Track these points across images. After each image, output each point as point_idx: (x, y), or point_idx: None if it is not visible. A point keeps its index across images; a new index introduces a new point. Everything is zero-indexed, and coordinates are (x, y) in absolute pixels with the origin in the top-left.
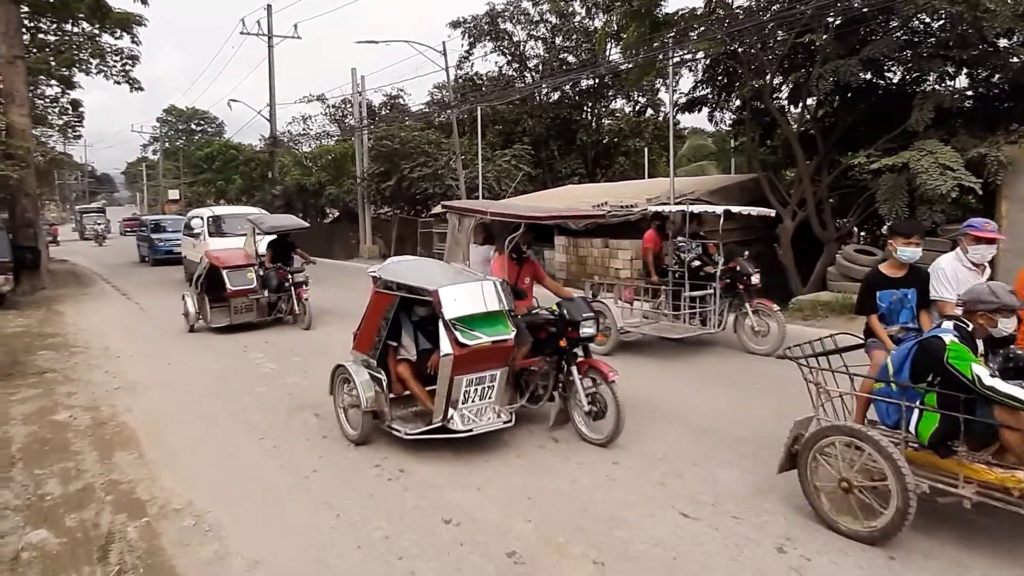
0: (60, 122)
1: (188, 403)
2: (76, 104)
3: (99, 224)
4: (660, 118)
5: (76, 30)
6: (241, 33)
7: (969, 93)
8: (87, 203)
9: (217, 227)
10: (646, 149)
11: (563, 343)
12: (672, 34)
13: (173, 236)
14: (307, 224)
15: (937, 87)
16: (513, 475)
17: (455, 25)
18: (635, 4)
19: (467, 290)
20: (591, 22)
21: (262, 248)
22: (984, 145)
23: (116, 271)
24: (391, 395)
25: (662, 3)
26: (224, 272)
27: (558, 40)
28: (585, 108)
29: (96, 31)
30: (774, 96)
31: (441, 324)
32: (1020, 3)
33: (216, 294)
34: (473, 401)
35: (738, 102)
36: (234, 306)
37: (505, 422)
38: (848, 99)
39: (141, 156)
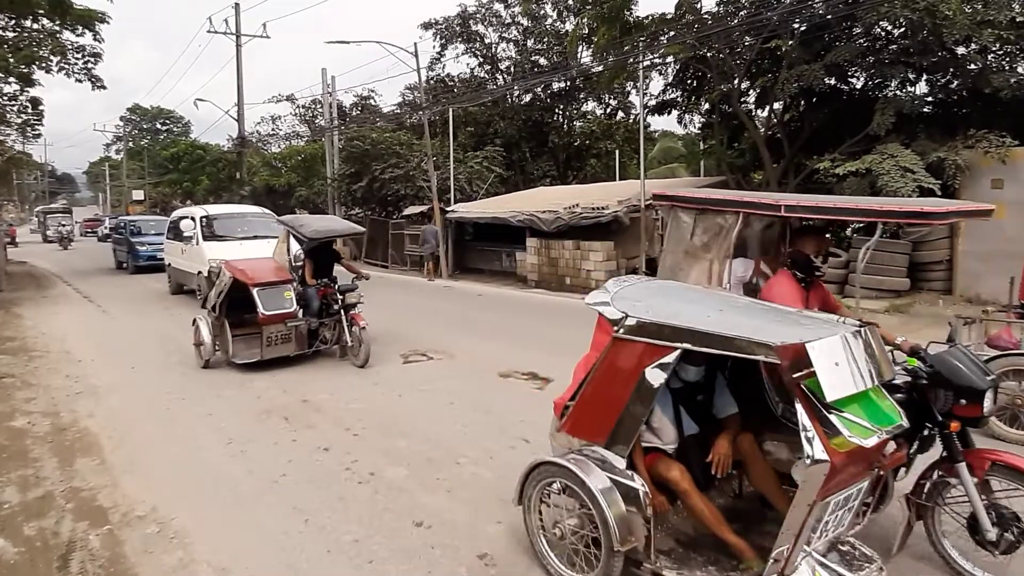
0: (19, 120)
1: (152, 407)
2: (36, 102)
3: (64, 226)
4: (631, 120)
5: (36, 26)
6: (208, 32)
7: (929, 99)
8: (48, 203)
9: (211, 230)
10: (617, 152)
11: (954, 425)
12: (642, 38)
13: (156, 240)
14: (363, 229)
15: (898, 93)
16: (484, 476)
17: (427, 26)
18: (606, 8)
19: (833, 347)
20: (562, 25)
21: (276, 253)
22: (943, 149)
23: (89, 279)
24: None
25: (632, 7)
26: (255, 291)
27: (530, 43)
28: (557, 110)
29: (57, 28)
30: (742, 100)
31: (801, 407)
32: (978, 11)
33: (238, 318)
34: (825, 534)
35: (707, 105)
36: (267, 336)
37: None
38: (813, 103)
39: (104, 156)
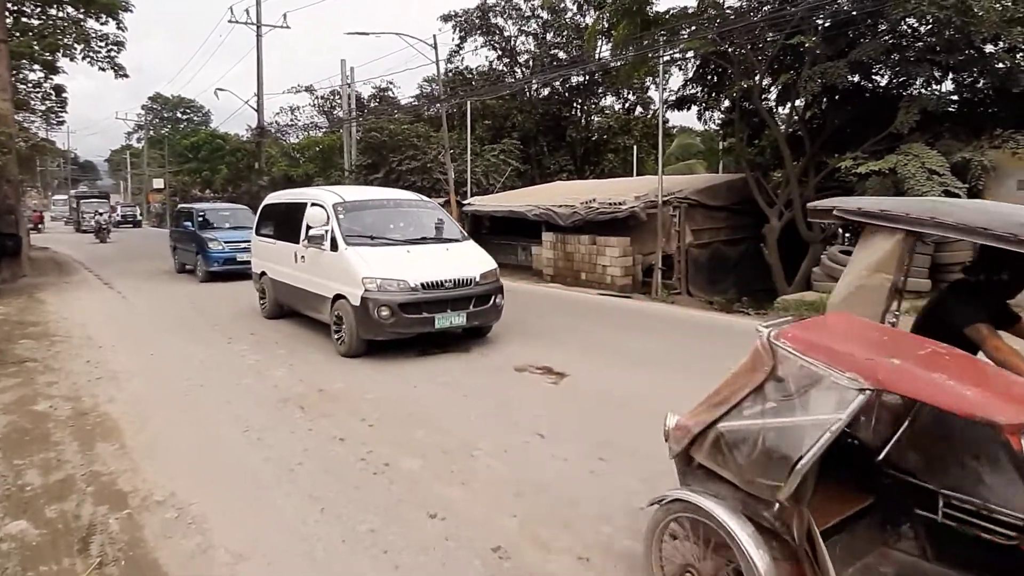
0: (43, 108)
1: (171, 394)
2: (59, 89)
3: (101, 214)
4: (649, 116)
5: (61, 15)
6: (229, 21)
7: (954, 97)
8: (72, 189)
9: (350, 225)
10: (635, 147)
11: None
12: (663, 32)
13: (235, 237)
14: None
15: (923, 91)
16: (499, 470)
17: (446, 19)
18: (626, 1)
19: None
20: (582, 19)
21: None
22: (968, 149)
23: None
24: None
25: (653, 1)
26: None
27: (549, 36)
28: (575, 105)
29: (81, 16)
30: (763, 97)
31: None
32: (1008, 9)
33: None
34: None
35: (727, 102)
36: None
37: None
38: (835, 101)
39: (125, 144)
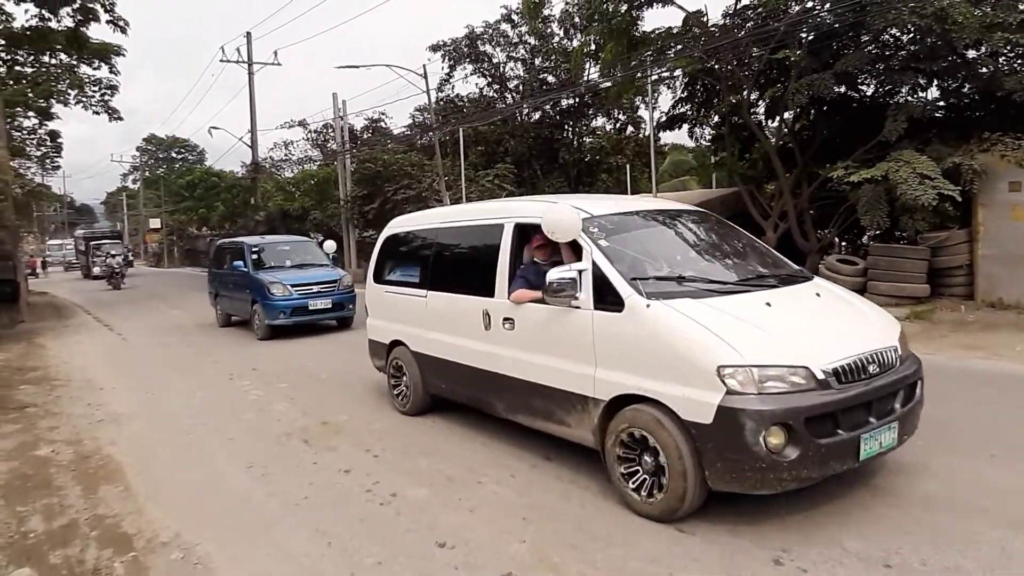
0: (38, 153)
1: (174, 433)
2: (54, 135)
3: (114, 256)
4: (641, 135)
5: (54, 61)
6: (221, 61)
7: (941, 103)
8: (69, 233)
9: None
10: (628, 166)
11: None
12: (650, 52)
13: (308, 278)
14: None
15: (909, 98)
16: (506, 495)
17: (435, 48)
18: (613, 23)
19: None
20: (570, 43)
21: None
22: (958, 154)
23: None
24: None
25: (639, 22)
26: None
27: (537, 61)
28: (566, 127)
29: (74, 62)
30: (752, 111)
31: None
32: (987, 15)
33: None
34: None
35: (717, 118)
36: None
37: None
38: (824, 112)
39: (121, 186)
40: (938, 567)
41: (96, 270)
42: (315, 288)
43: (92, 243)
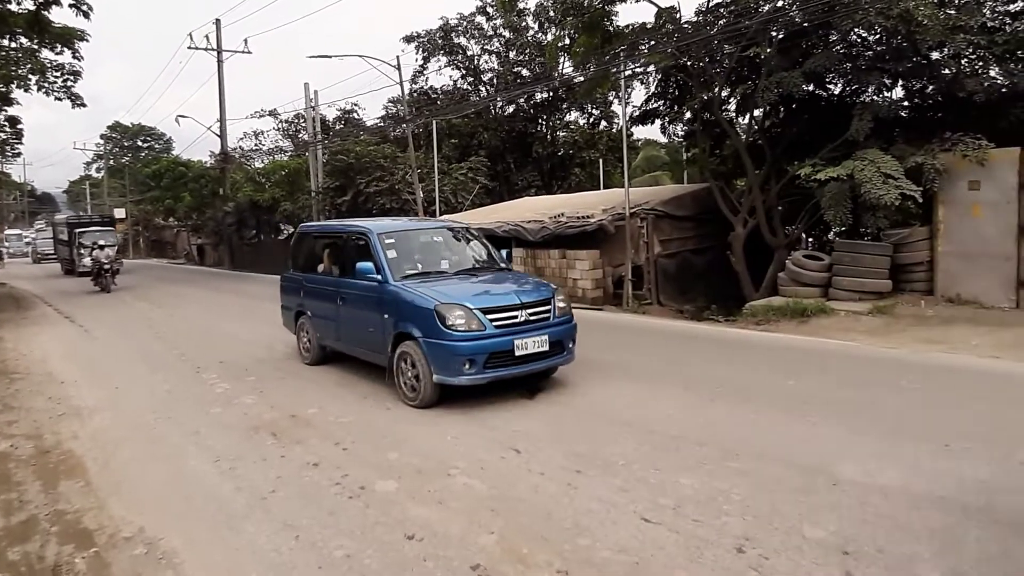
0: None
1: (138, 427)
2: (14, 121)
3: (103, 247)
4: (614, 130)
5: (14, 45)
6: (189, 48)
7: (905, 103)
8: (27, 223)
9: None
10: (601, 161)
11: None
12: (623, 47)
13: (504, 298)
14: None
15: (875, 98)
16: (475, 487)
17: (409, 40)
18: (586, 17)
19: None
20: (544, 36)
21: None
22: (921, 153)
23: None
24: None
25: (613, 16)
26: None
27: (512, 54)
28: (540, 121)
29: (35, 46)
30: (723, 108)
31: None
32: (951, 17)
33: None
34: None
35: (689, 114)
36: None
37: None
38: (793, 110)
39: (84, 174)
40: (895, 554)
41: (86, 261)
42: (520, 315)
43: (78, 230)
